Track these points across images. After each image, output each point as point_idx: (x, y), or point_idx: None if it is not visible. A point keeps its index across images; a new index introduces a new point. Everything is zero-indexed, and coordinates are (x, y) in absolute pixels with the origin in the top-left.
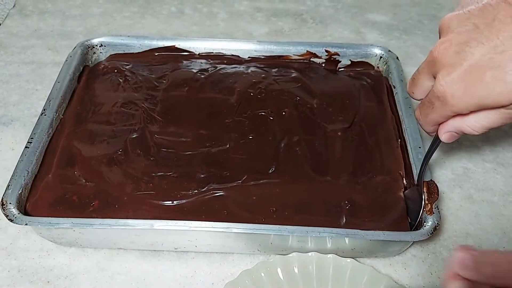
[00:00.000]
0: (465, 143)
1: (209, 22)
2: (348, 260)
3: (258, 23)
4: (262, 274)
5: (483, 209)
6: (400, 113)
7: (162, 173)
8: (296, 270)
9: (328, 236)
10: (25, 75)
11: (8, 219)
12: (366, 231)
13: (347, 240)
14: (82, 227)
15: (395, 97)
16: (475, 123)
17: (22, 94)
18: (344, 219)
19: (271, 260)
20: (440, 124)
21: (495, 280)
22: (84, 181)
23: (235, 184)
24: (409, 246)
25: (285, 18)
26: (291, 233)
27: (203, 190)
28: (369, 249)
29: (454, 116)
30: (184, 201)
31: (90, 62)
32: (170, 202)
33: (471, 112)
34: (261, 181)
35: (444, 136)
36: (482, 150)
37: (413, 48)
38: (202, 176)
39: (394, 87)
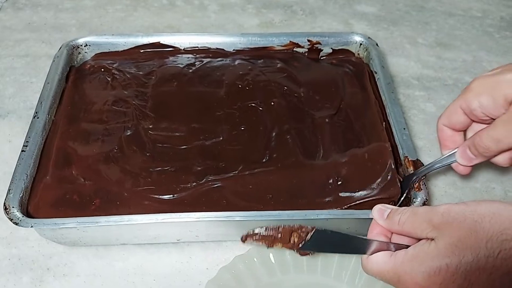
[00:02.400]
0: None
1: (200, 14)
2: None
3: (248, 15)
4: (255, 259)
5: (466, 195)
6: (383, 98)
7: (160, 168)
8: (287, 255)
9: (325, 217)
10: (19, 68)
11: (13, 223)
12: (360, 210)
13: (342, 220)
14: (88, 225)
15: (377, 83)
16: (487, 134)
17: (18, 87)
18: (337, 194)
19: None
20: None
21: (402, 227)
22: (83, 180)
23: (231, 174)
24: None
25: (275, 10)
26: (290, 217)
27: (201, 182)
28: (363, 227)
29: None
30: (183, 194)
31: (75, 62)
32: (171, 195)
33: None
34: (256, 170)
35: (459, 151)
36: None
37: (400, 39)
38: (199, 168)
39: (376, 73)
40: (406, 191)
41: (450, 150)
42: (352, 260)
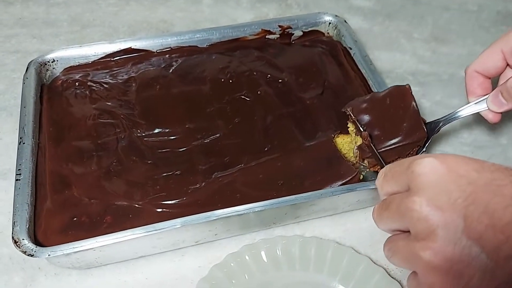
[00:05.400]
0: (444, 128)
1: (194, 9)
2: (330, 242)
3: (243, 9)
4: (247, 257)
5: None
6: (363, 71)
7: (165, 174)
8: (279, 253)
9: (340, 193)
10: (10, 64)
11: (28, 255)
12: (371, 181)
13: (355, 193)
14: (108, 242)
15: (353, 58)
16: None
17: (8, 83)
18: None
19: (256, 243)
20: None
21: None
22: (87, 199)
23: (238, 168)
24: None
25: (270, 4)
26: (307, 200)
27: (210, 180)
28: (374, 197)
29: None
30: (195, 195)
31: (45, 80)
32: (183, 198)
33: None
34: (262, 160)
35: (491, 96)
36: (460, 134)
37: (396, 34)
38: (205, 167)
39: (351, 49)
40: (432, 136)
41: (477, 98)
42: (345, 257)
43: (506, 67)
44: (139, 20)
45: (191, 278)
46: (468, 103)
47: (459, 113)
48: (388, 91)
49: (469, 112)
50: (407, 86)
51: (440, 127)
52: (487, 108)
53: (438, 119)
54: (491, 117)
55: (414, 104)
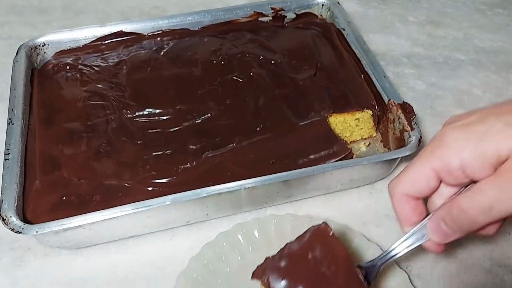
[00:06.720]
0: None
1: None
2: (321, 220)
3: None
4: (239, 236)
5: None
6: (356, 52)
7: (155, 153)
8: (272, 229)
9: (331, 170)
10: (2, 50)
11: (16, 232)
12: (363, 158)
13: (347, 170)
14: (96, 219)
15: (347, 39)
16: (470, 201)
17: (0, 68)
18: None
19: (248, 222)
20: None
21: None
22: (77, 179)
23: (230, 147)
24: (395, 168)
25: None
26: (298, 176)
27: (201, 160)
28: (370, 173)
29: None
30: (186, 174)
31: (36, 64)
32: (174, 177)
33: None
34: (254, 139)
35: (431, 226)
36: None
37: (391, 17)
38: (195, 147)
39: (344, 30)
40: (373, 277)
41: (414, 226)
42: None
43: (439, 185)
44: (132, 7)
45: (182, 257)
46: (405, 234)
47: (397, 252)
48: (306, 242)
49: (409, 247)
50: (322, 227)
51: (377, 271)
52: (428, 239)
53: (374, 259)
54: (435, 248)
55: (343, 249)
